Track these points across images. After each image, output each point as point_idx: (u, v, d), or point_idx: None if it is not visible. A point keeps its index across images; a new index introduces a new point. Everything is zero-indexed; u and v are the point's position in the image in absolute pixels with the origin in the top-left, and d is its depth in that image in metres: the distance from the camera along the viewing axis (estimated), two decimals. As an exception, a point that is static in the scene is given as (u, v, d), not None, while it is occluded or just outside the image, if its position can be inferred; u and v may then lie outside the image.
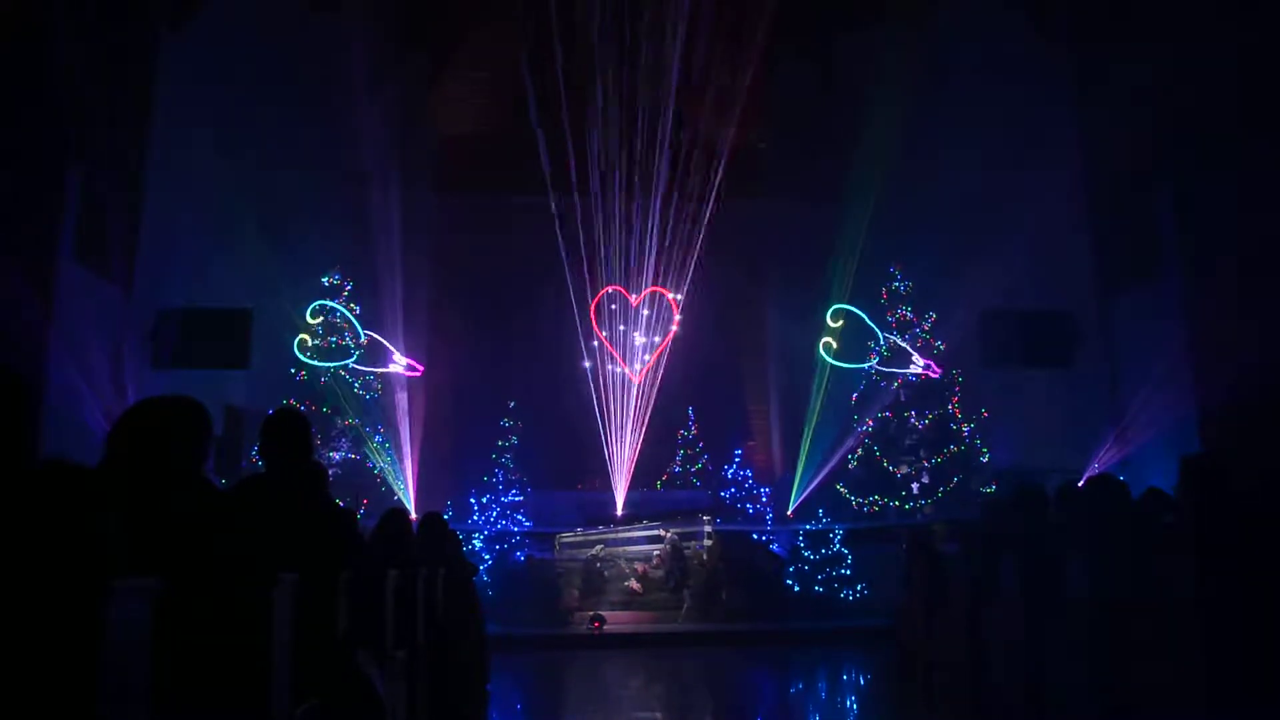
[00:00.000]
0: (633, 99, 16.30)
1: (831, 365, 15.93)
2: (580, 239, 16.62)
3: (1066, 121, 15.93)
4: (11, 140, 10.61)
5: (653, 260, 16.75)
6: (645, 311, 17.00)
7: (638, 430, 16.44)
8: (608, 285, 16.94)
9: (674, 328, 16.76)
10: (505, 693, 9.20)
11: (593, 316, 16.90)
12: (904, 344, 15.71)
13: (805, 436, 16.13)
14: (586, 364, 16.76)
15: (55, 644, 1.69)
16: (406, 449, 15.55)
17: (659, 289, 16.91)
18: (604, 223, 16.67)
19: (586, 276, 16.73)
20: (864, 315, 16.00)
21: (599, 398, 16.58)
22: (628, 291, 16.93)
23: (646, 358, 16.88)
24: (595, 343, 16.92)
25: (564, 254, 16.55)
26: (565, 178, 16.48)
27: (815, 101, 17.42)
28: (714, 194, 16.61)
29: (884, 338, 15.80)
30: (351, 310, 15.63)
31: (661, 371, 16.74)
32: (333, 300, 15.51)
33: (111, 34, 12.62)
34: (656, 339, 16.95)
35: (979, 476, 14.95)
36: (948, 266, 15.49)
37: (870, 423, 15.66)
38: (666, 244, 16.75)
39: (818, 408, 16.08)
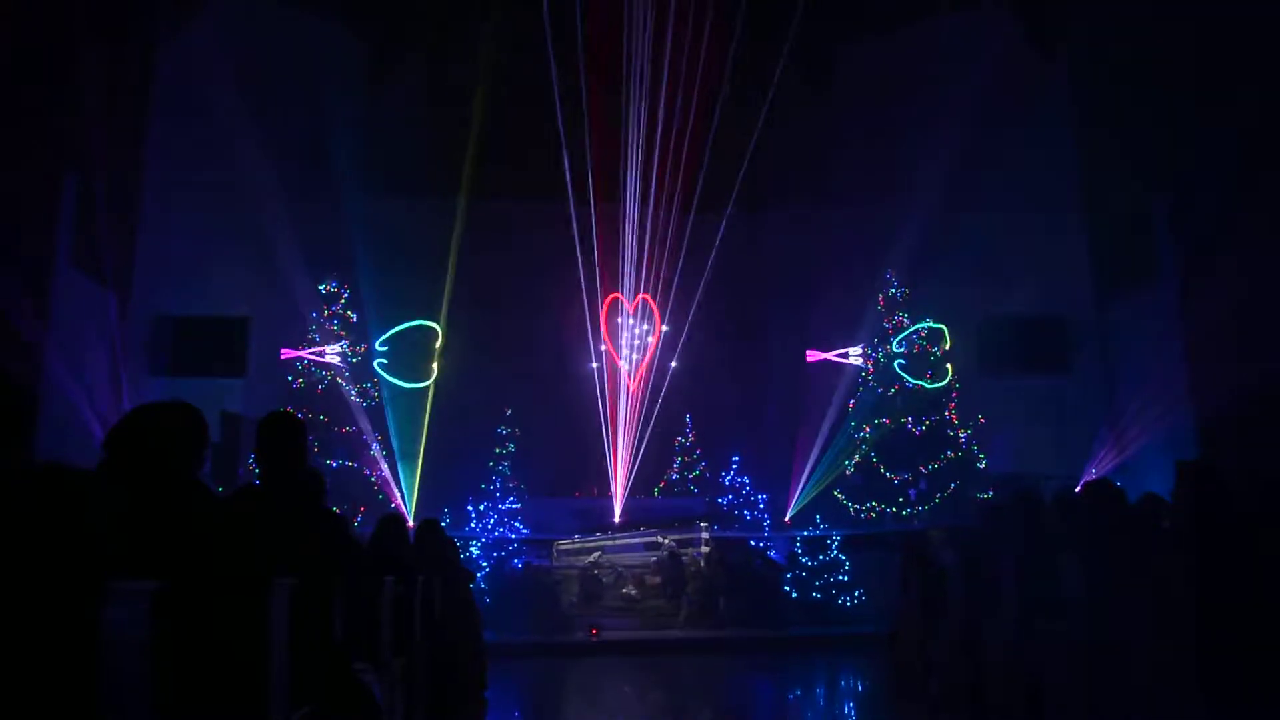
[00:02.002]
0: (630, 106, 16.35)
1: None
2: (578, 246, 16.65)
3: (1062, 126, 15.95)
4: (8, 147, 10.61)
5: (651, 267, 16.78)
6: (632, 320, 17.02)
7: (636, 437, 16.45)
8: (613, 293, 16.96)
9: (654, 339, 16.79)
10: (503, 700, 9.18)
11: (604, 323, 16.90)
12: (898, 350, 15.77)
13: (803, 443, 16.14)
14: (594, 365, 16.77)
15: (53, 646, 1.69)
16: (404, 457, 15.53)
17: (646, 297, 16.93)
18: (604, 230, 16.71)
19: (584, 283, 16.77)
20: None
21: (600, 405, 16.60)
22: (625, 298, 16.97)
23: (641, 365, 16.90)
24: (603, 347, 16.93)
25: (567, 259, 16.60)
26: (565, 184, 16.52)
27: (811, 109, 17.45)
28: (711, 202, 16.66)
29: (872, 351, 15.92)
30: (349, 318, 15.62)
31: (654, 378, 16.75)
32: (330, 307, 15.51)
33: (108, 41, 12.63)
34: (652, 347, 16.98)
35: (976, 483, 14.93)
36: (944, 272, 15.52)
37: (868, 429, 15.67)
38: (664, 251, 16.79)
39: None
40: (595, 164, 16.53)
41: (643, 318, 17.02)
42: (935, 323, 15.78)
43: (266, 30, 15.03)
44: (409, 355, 16.01)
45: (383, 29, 16.83)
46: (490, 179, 16.81)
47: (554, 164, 16.49)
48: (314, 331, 15.33)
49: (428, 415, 16.20)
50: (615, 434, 16.51)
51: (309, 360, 15.15)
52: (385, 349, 15.81)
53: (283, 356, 15.08)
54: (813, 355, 16.32)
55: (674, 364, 16.84)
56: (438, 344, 15.93)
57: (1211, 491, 4.88)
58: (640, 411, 16.57)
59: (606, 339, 16.95)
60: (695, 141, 16.62)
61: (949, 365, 15.48)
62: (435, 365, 15.79)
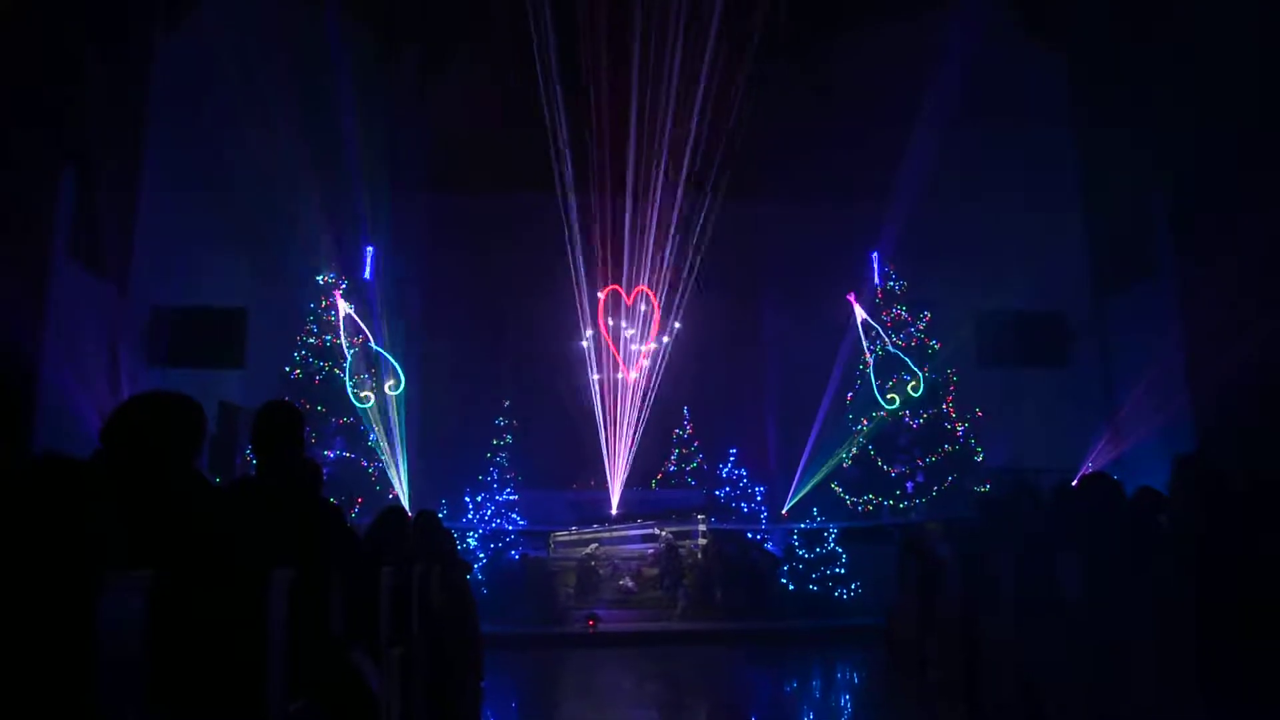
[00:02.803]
0: (630, 97, 16.33)
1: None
2: (576, 238, 16.64)
3: (1061, 121, 15.94)
4: (5, 138, 10.58)
5: (648, 259, 16.78)
6: (643, 307, 17.02)
7: (633, 429, 16.46)
8: (609, 285, 16.94)
9: (671, 332, 16.80)
10: (500, 690, 9.20)
11: (600, 315, 16.89)
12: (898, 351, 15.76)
13: (800, 435, 16.16)
14: (583, 343, 16.70)
15: (50, 636, 1.69)
16: (400, 448, 15.51)
17: (647, 289, 16.92)
18: (600, 222, 16.71)
19: (582, 275, 16.77)
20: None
21: (597, 397, 16.59)
22: (623, 289, 16.95)
23: (641, 356, 16.89)
24: (585, 343, 16.88)
25: (562, 251, 16.60)
26: (561, 176, 16.51)
27: (811, 101, 17.43)
28: (710, 193, 16.65)
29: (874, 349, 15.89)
30: (346, 309, 15.62)
31: (661, 370, 16.76)
32: (327, 298, 15.50)
33: (106, 32, 12.59)
34: (650, 343, 16.98)
35: (973, 476, 14.95)
36: (943, 266, 15.52)
37: (865, 422, 15.68)
38: (662, 243, 16.80)
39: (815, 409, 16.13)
40: (591, 155, 16.52)
41: (647, 309, 17.00)
42: (931, 315, 15.83)
43: (265, 22, 14.98)
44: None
45: (382, 21, 16.79)
46: (491, 172, 16.78)
47: (551, 154, 16.47)
48: (311, 321, 15.33)
49: (425, 406, 16.19)
50: (610, 427, 16.50)
51: (306, 352, 15.15)
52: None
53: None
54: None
55: (672, 351, 16.78)
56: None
57: (1208, 486, 4.88)
58: (641, 404, 16.57)
59: (604, 331, 16.92)
60: (696, 132, 16.63)
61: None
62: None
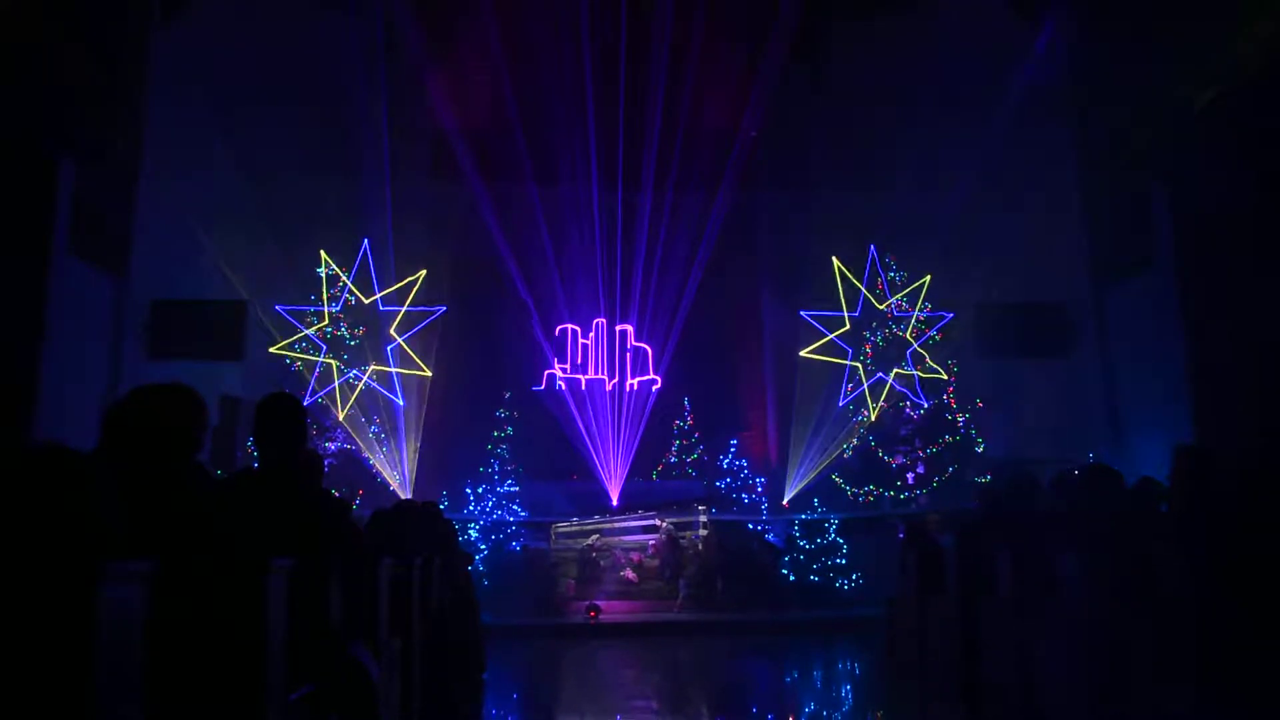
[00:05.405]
0: (627, 88, 16.31)
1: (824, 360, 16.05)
2: (576, 229, 16.63)
3: (1061, 110, 15.90)
4: (4, 132, 10.57)
5: (644, 256, 16.80)
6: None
7: (632, 427, 16.49)
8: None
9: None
10: (501, 682, 9.22)
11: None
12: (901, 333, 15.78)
13: (800, 427, 16.18)
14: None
15: (48, 626, 1.69)
16: (403, 439, 15.52)
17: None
18: (597, 213, 16.70)
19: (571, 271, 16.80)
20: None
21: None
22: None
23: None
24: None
25: (564, 246, 16.61)
26: (560, 168, 16.50)
27: (810, 91, 17.39)
28: (706, 185, 16.65)
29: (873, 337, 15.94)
30: (348, 303, 15.61)
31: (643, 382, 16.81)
32: (328, 290, 15.49)
33: (104, 23, 12.57)
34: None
35: (974, 467, 14.97)
36: (943, 257, 15.50)
37: (865, 413, 15.69)
38: (662, 236, 16.81)
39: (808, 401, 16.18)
40: (594, 147, 16.51)
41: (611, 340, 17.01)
42: (931, 305, 15.89)
43: (265, 13, 14.94)
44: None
45: (381, 13, 16.74)
46: (493, 163, 16.76)
47: (555, 148, 16.46)
48: (313, 314, 15.34)
49: (426, 397, 16.19)
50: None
51: (307, 345, 15.16)
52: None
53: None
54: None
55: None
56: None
57: (1207, 475, 4.89)
58: (631, 411, 16.60)
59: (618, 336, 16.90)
60: (698, 124, 16.61)
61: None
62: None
